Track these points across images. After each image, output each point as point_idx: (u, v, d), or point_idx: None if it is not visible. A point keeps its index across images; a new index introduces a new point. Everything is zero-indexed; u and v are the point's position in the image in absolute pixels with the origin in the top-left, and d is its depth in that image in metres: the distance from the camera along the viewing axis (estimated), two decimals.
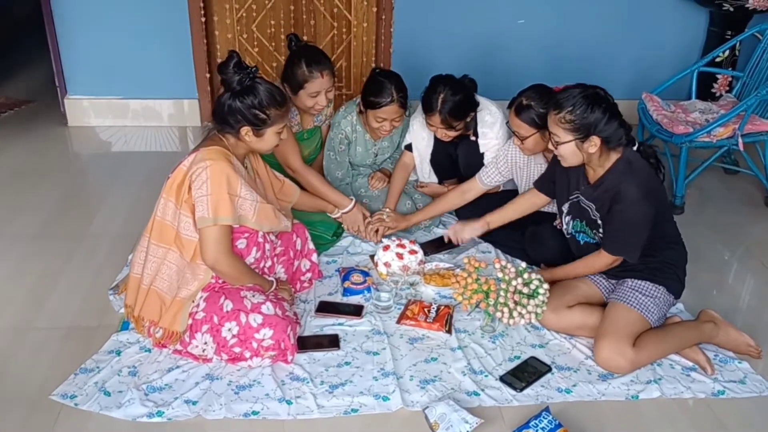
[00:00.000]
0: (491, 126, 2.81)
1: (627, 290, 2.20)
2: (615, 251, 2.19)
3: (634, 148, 2.17)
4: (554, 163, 2.36)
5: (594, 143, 2.09)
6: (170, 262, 2.10)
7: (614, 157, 2.15)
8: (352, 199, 2.79)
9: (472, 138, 2.86)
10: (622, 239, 2.16)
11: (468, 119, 2.75)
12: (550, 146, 2.22)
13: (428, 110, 2.70)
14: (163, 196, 2.10)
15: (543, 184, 2.50)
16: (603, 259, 2.23)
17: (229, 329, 2.06)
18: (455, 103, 2.65)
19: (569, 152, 2.14)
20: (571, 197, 2.31)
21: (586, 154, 2.13)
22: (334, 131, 2.91)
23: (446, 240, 2.72)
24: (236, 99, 2.07)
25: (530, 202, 2.56)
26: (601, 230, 2.23)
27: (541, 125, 2.41)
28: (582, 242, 2.33)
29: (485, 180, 2.74)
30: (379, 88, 2.71)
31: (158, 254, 2.11)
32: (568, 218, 2.36)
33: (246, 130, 2.11)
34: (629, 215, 2.10)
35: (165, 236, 2.10)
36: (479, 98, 2.83)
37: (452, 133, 2.75)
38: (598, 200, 2.19)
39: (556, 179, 2.39)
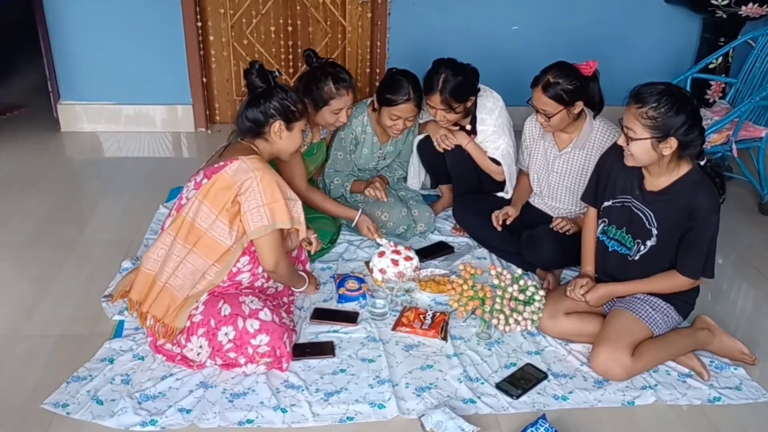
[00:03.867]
0: (490, 112, 2.82)
1: (637, 301, 2.18)
2: (698, 272, 2.08)
3: (702, 162, 2.08)
4: (598, 167, 2.28)
5: (670, 145, 1.96)
6: (189, 261, 2.09)
7: (684, 167, 2.05)
8: (358, 210, 2.80)
9: (468, 127, 2.86)
10: (705, 257, 2.06)
11: (468, 103, 2.76)
12: (620, 142, 2.06)
13: (429, 90, 2.71)
14: (198, 197, 2.09)
15: (590, 196, 2.33)
16: (679, 280, 2.11)
17: (226, 333, 2.05)
18: (456, 84, 2.67)
19: (641, 150, 2.00)
20: (616, 200, 2.20)
21: (657, 156, 2.00)
22: (345, 131, 2.91)
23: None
24: (268, 96, 2.16)
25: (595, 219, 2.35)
26: (648, 241, 2.13)
27: (568, 102, 2.39)
28: (611, 250, 2.23)
29: (522, 161, 2.83)
30: (396, 85, 2.73)
31: (181, 253, 2.10)
32: (602, 222, 2.26)
33: (279, 125, 2.17)
34: (711, 230, 2.03)
35: (191, 237, 2.09)
36: (483, 87, 2.84)
37: (452, 117, 2.76)
38: (662, 209, 2.08)
39: (600, 181, 2.27)
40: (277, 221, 2.08)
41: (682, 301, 2.20)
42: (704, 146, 2.07)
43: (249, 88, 2.21)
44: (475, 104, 2.83)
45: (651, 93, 1.97)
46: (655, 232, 2.11)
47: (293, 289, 2.40)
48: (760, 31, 3.42)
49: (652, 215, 2.11)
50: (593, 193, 2.32)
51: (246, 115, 2.18)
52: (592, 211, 2.34)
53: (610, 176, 2.22)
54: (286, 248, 2.26)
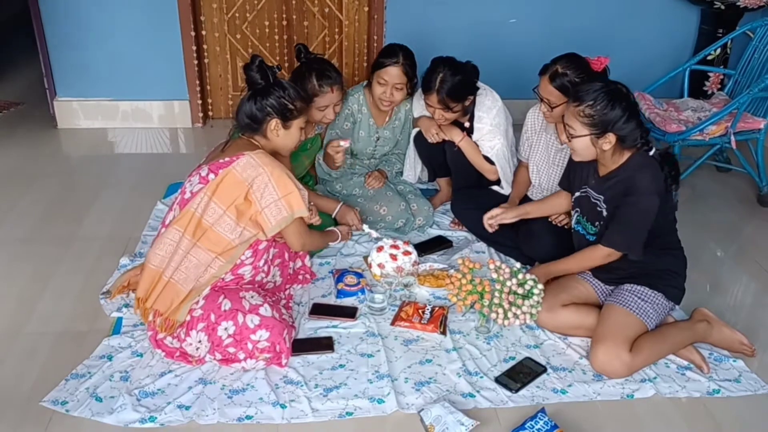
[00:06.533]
0: (488, 110, 2.81)
1: (625, 293, 2.18)
2: (614, 243, 2.14)
3: (651, 153, 2.12)
4: (571, 158, 2.33)
5: (609, 140, 2.06)
6: (193, 255, 2.09)
7: (628, 154, 2.12)
8: (339, 202, 2.81)
9: (467, 124, 2.86)
10: (628, 232, 2.11)
11: (466, 102, 2.76)
12: (564, 138, 2.19)
13: (426, 90, 2.72)
14: (207, 194, 2.09)
15: (566, 183, 2.44)
16: (598, 252, 2.18)
17: (225, 328, 2.05)
18: (454, 84, 2.66)
19: (582, 146, 2.12)
20: (581, 190, 2.27)
21: (599, 150, 2.10)
22: None
23: (488, 228, 2.60)
24: (265, 93, 2.15)
25: (567, 200, 2.47)
26: (600, 223, 2.20)
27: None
28: (580, 233, 2.30)
29: (522, 153, 2.82)
30: (389, 50, 2.79)
31: (187, 248, 2.09)
32: (575, 212, 2.33)
33: (275, 124, 2.17)
34: (640, 208, 2.07)
35: (198, 232, 2.09)
36: (482, 85, 2.83)
37: (449, 115, 2.76)
38: (609, 191, 2.15)
39: (571, 170, 2.35)
40: (296, 211, 2.11)
41: (669, 286, 2.20)
42: (649, 136, 2.15)
43: (248, 83, 2.19)
44: (474, 102, 2.82)
45: (587, 92, 2.06)
46: (605, 214, 2.18)
47: (330, 244, 2.63)
48: (759, 22, 3.41)
49: (602, 198, 2.18)
50: (567, 180, 2.41)
51: (244, 111, 2.17)
52: (565, 193, 2.46)
53: (578, 167, 2.29)
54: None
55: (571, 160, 2.35)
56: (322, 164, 2.91)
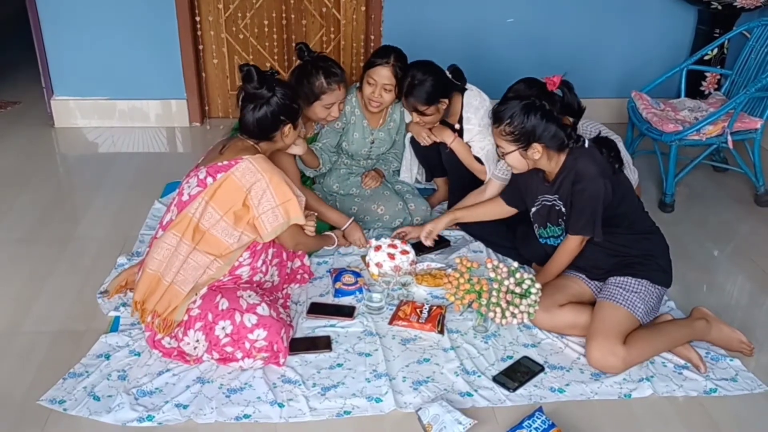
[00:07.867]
0: (476, 111, 2.81)
1: (611, 288, 2.21)
2: (578, 230, 2.22)
3: (586, 145, 2.21)
4: (515, 177, 2.40)
5: (536, 150, 2.18)
6: (192, 258, 2.10)
7: (564, 155, 2.21)
8: (349, 219, 2.77)
9: (457, 126, 2.86)
10: (585, 216, 2.19)
11: (440, 105, 2.76)
12: (499, 156, 2.31)
13: (400, 93, 2.76)
14: (205, 199, 2.09)
15: (508, 197, 2.55)
16: (570, 243, 2.27)
17: (223, 328, 2.05)
18: (421, 88, 2.69)
19: (515, 161, 2.23)
20: (536, 203, 2.35)
21: (531, 161, 2.21)
22: None
23: (425, 242, 2.70)
24: (272, 102, 2.16)
25: (501, 208, 2.59)
26: (562, 220, 2.27)
27: None
28: (551, 244, 2.38)
29: (498, 173, 2.75)
30: (382, 51, 2.80)
31: (187, 253, 2.10)
32: (536, 228, 2.41)
33: (288, 128, 2.23)
34: (590, 192, 2.15)
35: (196, 236, 2.10)
36: (471, 87, 2.84)
37: (426, 119, 2.78)
38: (560, 190, 2.24)
39: (521, 189, 2.42)
40: (292, 218, 2.14)
41: (651, 270, 2.22)
42: (584, 131, 2.28)
43: (253, 97, 2.15)
44: (461, 104, 2.82)
45: (504, 110, 2.18)
46: (564, 210, 2.25)
47: (326, 247, 2.62)
48: (756, 22, 3.42)
49: (557, 198, 2.26)
50: (511, 197, 2.52)
51: (254, 121, 2.16)
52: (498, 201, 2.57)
53: (525, 186, 2.37)
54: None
55: (518, 180, 2.41)
56: (298, 160, 2.88)
